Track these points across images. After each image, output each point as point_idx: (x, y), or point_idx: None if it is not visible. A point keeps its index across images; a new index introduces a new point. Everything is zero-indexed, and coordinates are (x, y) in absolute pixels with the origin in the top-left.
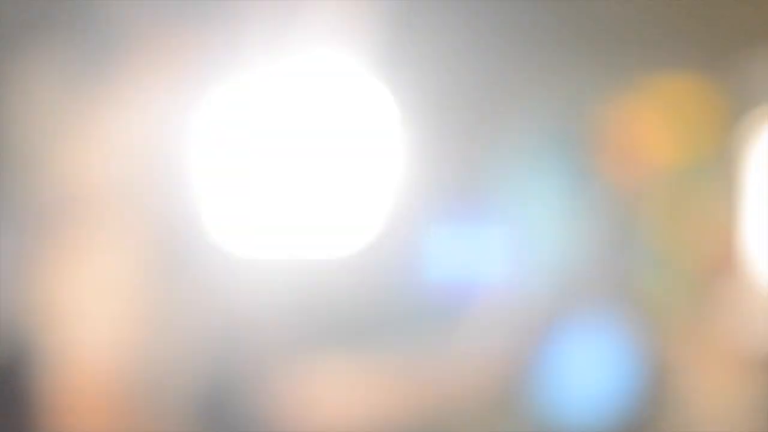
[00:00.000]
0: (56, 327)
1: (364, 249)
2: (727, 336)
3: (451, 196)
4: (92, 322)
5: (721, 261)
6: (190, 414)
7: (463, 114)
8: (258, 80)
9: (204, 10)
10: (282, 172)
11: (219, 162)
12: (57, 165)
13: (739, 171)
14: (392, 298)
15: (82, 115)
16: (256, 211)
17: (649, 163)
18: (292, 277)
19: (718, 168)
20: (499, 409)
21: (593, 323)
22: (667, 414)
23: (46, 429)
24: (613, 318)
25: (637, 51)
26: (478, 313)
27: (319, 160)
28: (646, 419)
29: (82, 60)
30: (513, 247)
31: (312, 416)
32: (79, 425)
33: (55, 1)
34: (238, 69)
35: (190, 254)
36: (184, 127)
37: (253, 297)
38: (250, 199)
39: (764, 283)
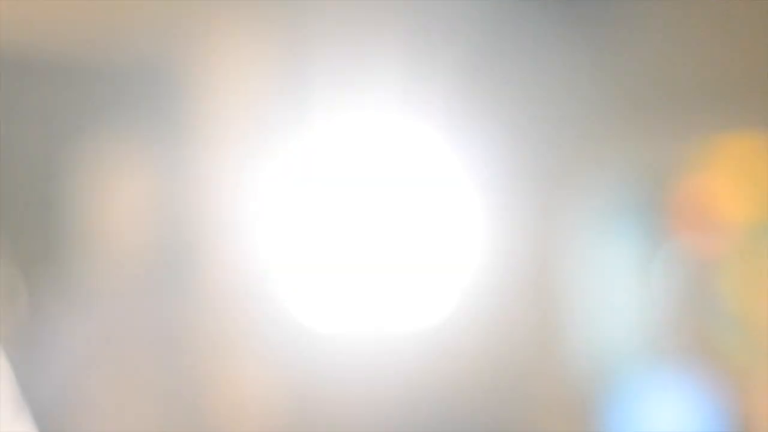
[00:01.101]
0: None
1: (443, 321)
2: None
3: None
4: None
5: None
6: None
7: (538, 180)
8: (335, 144)
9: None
10: (360, 244)
11: (297, 234)
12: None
13: None
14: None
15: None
16: (334, 283)
17: (723, 225)
18: (371, 350)
19: None
20: None
21: (675, 384)
22: None
23: None
24: (694, 378)
25: (709, 112)
26: None
27: (397, 232)
28: None
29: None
30: (593, 311)
31: None
32: None
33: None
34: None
35: (269, 327)
36: (262, 199)
37: (332, 371)
38: (327, 270)
39: None
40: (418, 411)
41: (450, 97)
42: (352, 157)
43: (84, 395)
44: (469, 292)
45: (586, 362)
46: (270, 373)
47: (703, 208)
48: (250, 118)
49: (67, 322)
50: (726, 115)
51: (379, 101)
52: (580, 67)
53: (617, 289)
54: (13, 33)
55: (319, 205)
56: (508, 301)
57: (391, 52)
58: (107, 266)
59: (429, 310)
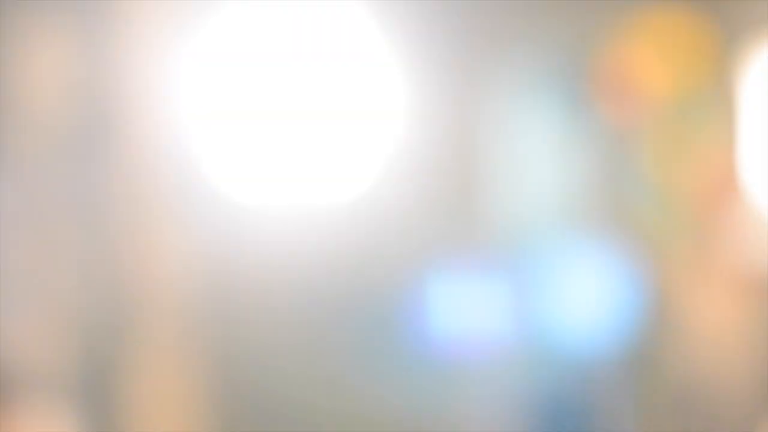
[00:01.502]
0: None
1: (362, 195)
2: (726, 262)
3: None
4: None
5: (718, 189)
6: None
7: (460, 55)
8: (262, 26)
9: None
10: (282, 119)
11: (221, 109)
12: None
13: (734, 100)
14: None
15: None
16: (258, 159)
17: (645, 95)
18: (293, 223)
19: (713, 98)
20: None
21: (594, 254)
22: (667, 340)
23: None
24: (613, 247)
25: None
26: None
27: (318, 108)
28: (645, 346)
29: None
30: (512, 185)
31: None
32: None
33: None
34: (242, 15)
35: (192, 202)
36: (186, 73)
37: (255, 244)
38: (251, 146)
39: (761, 209)
40: (338, 283)
41: None
42: (274, 31)
43: (1, 263)
44: (390, 165)
45: (505, 232)
46: (191, 245)
47: (624, 78)
48: None
49: None
50: None
51: None
52: None
53: (538, 159)
54: None
55: (242, 78)
56: (429, 172)
57: None
58: (27, 136)
59: (351, 182)
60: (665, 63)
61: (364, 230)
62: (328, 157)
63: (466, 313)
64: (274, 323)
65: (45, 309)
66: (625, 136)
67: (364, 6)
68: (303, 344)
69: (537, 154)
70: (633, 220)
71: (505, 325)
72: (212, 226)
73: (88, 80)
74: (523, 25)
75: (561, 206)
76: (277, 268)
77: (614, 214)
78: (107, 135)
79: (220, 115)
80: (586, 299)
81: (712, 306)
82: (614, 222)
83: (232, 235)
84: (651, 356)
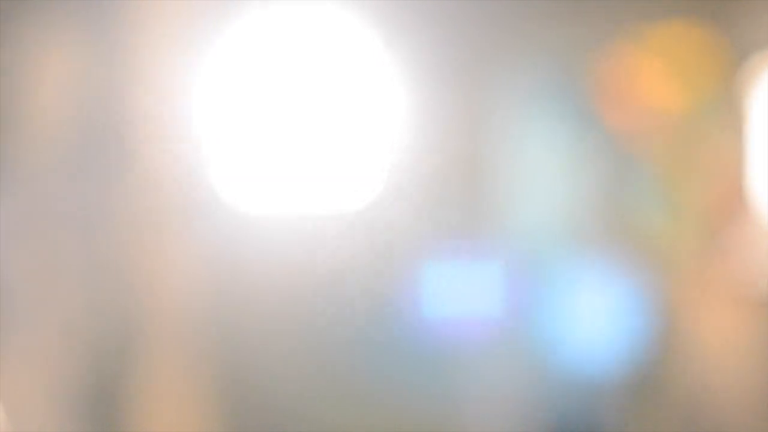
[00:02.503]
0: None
1: (369, 205)
2: (733, 276)
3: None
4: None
5: (725, 203)
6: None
7: (463, 67)
8: (265, 37)
9: None
10: (289, 129)
11: (228, 118)
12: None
13: (741, 114)
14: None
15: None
16: (263, 167)
17: (652, 109)
18: (298, 232)
19: (720, 111)
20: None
21: (599, 267)
22: (674, 353)
23: None
24: (619, 261)
25: None
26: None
27: (324, 117)
28: (652, 359)
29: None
30: (517, 196)
31: None
32: None
33: None
34: (244, 28)
35: (196, 209)
36: (192, 83)
37: (259, 253)
38: (256, 154)
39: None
40: (344, 290)
41: None
42: (282, 43)
43: (8, 274)
44: (395, 175)
45: (510, 246)
46: (196, 255)
47: (631, 91)
48: (182, 3)
49: None
50: (658, 2)
51: None
52: None
53: (544, 171)
54: None
55: (248, 88)
56: (434, 184)
57: None
58: (35, 146)
59: (357, 192)
60: (673, 76)
61: (369, 240)
62: (333, 166)
63: (472, 328)
64: (280, 332)
65: (51, 319)
66: (631, 149)
67: (374, 20)
68: (308, 352)
69: (543, 166)
70: (639, 234)
71: (512, 341)
72: (218, 237)
73: (96, 91)
74: (531, 36)
75: (566, 219)
76: (282, 277)
77: (620, 227)
78: (115, 147)
79: (227, 125)
80: (592, 314)
81: (719, 321)
82: (620, 235)
83: (238, 244)
84: (658, 371)
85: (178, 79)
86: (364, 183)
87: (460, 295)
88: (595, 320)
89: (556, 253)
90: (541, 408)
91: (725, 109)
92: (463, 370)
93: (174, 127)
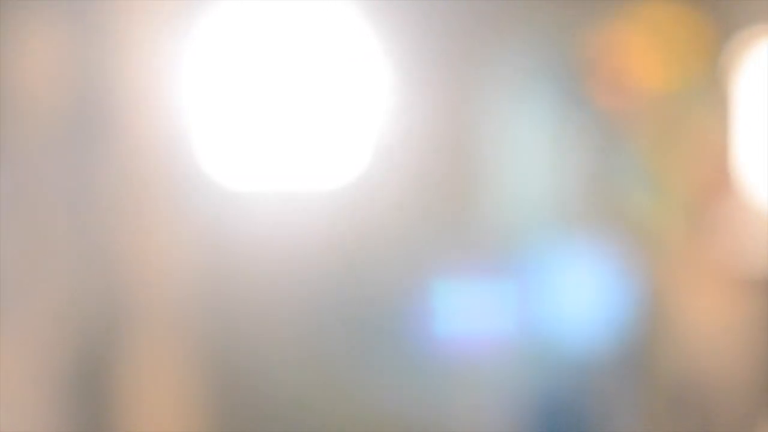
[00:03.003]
0: None
1: (353, 181)
2: (721, 256)
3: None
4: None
5: (712, 182)
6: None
7: (448, 45)
8: (247, 14)
9: None
10: (273, 105)
11: (212, 96)
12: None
13: (728, 93)
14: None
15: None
16: (248, 143)
17: (640, 90)
18: (282, 208)
19: (709, 91)
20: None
21: (587, 249)
22: (663, 338)
23: None
24: (607, 243)
25: None
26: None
27: (309, 94)
28: (640, 341)
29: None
30: (504, 176)
31: None
32: None
33: None
34: (227, 3)
35: (181, 186)
36: (177, 62)
37: (245, 230)
38: (242, 131)
39: (756, 204)
40: (331, 270)
41: None
42: (268, 21)
43: None
44: (382, 153)
45: (499, 228)
46: (183, 233)
47: (618, 72)
48: None
49: None
50: None
51: None
52: None
53: (532, 153)
54: None
55: (234, 65)
56: (422, 166)
57: None
58: (21, 131)
59: (342, 169)
60: (660, 57)
61: (356, 222)
62: (321, 146)
63: (460, 311)
64: (270, 314)
65: (36, 301)
66: (619, 131)
67: (357, 2)
68: (299, 335)
69: (530, 148)
70: (627, 216)
71: (499, 323)
72: (205, 214)
73: (81, 70)
74: (517, 18)
75: (555, 202)
76: (272, 258)
77: (608, 209)
78: (100, 126)
79: (212, 103)
80: (580, 296)
81: (708, 303)
82: (608, 218)
83: (225, 222)
84: (647, 354)
85: (163, 57)
86: (349, 160)
87: (443, 276)
88: (582, 302)
89: (543, 234)
90: (528, 389)
91: (712, 89)
92: (453, 365)
93: (160, 105)
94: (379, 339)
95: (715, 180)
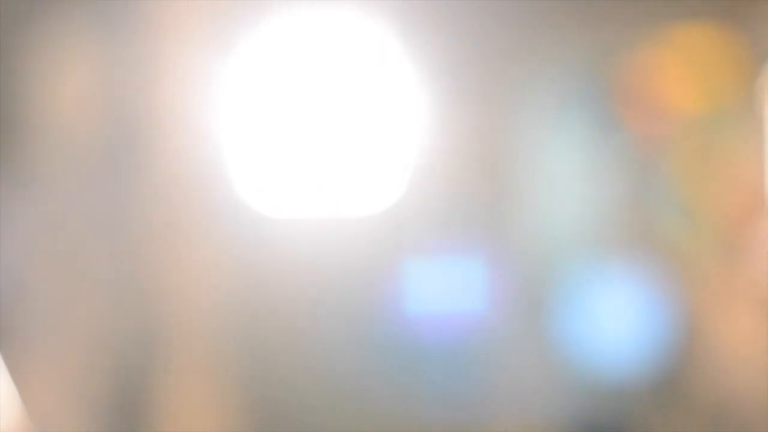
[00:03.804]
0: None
1: (389, 207)
2: (755, 279)
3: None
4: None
5: (746, 206)
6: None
7: (483, 71)
8: (283, 42)
9: None
10: (309, 130)
11: (248, 122)
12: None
13: (763, 117)
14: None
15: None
16: (284, 169)
17: (673, 113)
18: (318, 235)
19: (742, 115)
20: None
21: (621, 273)
22: (697, 358)
23: None
24: (641, 267)
25: (657, 1)
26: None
27: (345, 119)
28: (675, 363)
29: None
30: (538, 200)
31: None
32: None
33: None
34: (263, 31)
35: (216, 212)
36: (212, 87)
37: (280, 256)
38: (277, 157)
39: None
40: (367, 293)
41: None
42: (302, 45)
43: (30, 283)
44: (415, 179)
45: (533, 253)
46: (217, 258)
47: (651, 96)
48: (204, 7)
49: (13, 208)
50: (677, 5)
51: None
52: None
53: (565, 177)
54: None
55: (269, 90)
56: (455, 191)
57: None
58: (55, 149)
59: (378, 196)
60: (694, 81)
61: (389, 242)
62: (357, 172)
63: (490, 330)
64: (305, 341)
65: (73, 323)
66: (652, 155)
67: (396, 22)
68: (328, 356)
69: (565, 172)
70: (662, 240)
71: (531, 345)
72: (240, 240)
73: (117, 94)
74: (552, 39)
75: (587, 223)
76: (307, 284)
77: (643, 233)
78: (136, 150)
79: (248, 128)
80: (616, 321)
81: (743, 326)
82: (643, 242)
83: (263, 250)
84: (683, 378)
85: (199, 81)
86: (384, 186)
87: (478, 296)
88: (616, 325)
89: (577, 257)
90: (564, 413)
91: (746, 113)
92: (480, 369)
93: (195, 129)
94: (408, 357)
95: (749, 204)
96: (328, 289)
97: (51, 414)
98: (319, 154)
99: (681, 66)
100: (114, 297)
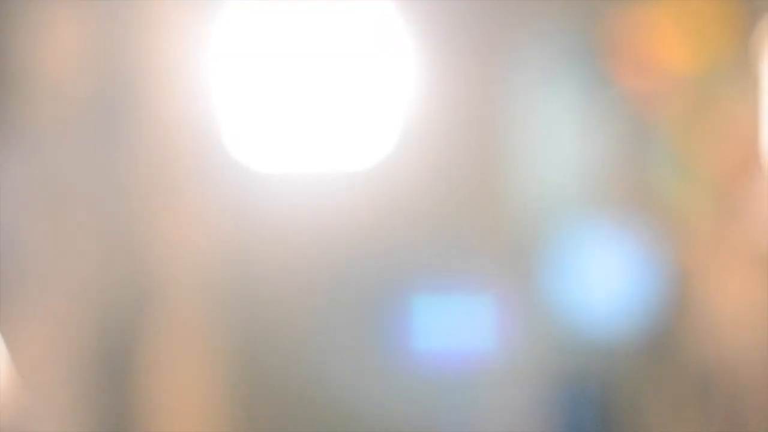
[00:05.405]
0: None
1: (379, 163)
2: (748, 239)
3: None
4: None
5: (740, 165)
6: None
7: (475, 27)
8: (284, 6)
9: None
10: (299, 86)
11: (237, 78)
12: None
13: (757, 75)
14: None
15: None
16: (274, 125)
17: (666, 72)
18: (308, 190)
19: (737, 73)
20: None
21: (614, 232)
22: (688, 316)
23: None
24: (634, 226)
25: None
26: None
27: (335, 76)
28: (666, 322)
29: None
30: (530, 159)
31: None
32: None
33: None
34: None
35: (206, 167)
36: (202, 43)
37: (270, 211)
38: (267, 112)
39: None
40: (356, 252)
41: None
42: (295, 2)
43: (19, 235)
44: (408, 136)
45: (525, 210)
46: (207, 213)
47: (644, 54)
48: None
49: (2, 161)
50: None
51: None
52: None
53: (557, 137)
54: None
55: (259, 46)
56: (446, 146)
57: None
58: (43, 108)
59: (368, 151)
60: (688, 39)
61: (381, 204)
62: (346, 128)
63: (482, 295)
64: (294, 297)
65: (62, 281)
66: (646, 114)
67: None
68: (323, 321)
69: (557, 132)
70: (655, 199)
71: (521, 308)
72: (230, 195)
73: (107, 56)
74: (543, 1)
75: (581, 185)
76: (297, 240)
77: (635, 192)
78: (125, 107)
79: (239, 86)
80: (607, 280)
81: (736, 286)
82: (635, 201)
83: (252, 205)
84: (674, 338)
85: (188, 38)
86: (375, 142)
87: (468, 263)
88: (608, 284)
89: (570, 214)
90: (552, 372)
91: (740, 70)
92: (473, 349)
93: (185, 87)
94: (399, 323)
95: (743, 162)
96: (318, 244)
97: (39, 366)
98: (310, 108)
99: (675, 22)
100: (104, 250)
